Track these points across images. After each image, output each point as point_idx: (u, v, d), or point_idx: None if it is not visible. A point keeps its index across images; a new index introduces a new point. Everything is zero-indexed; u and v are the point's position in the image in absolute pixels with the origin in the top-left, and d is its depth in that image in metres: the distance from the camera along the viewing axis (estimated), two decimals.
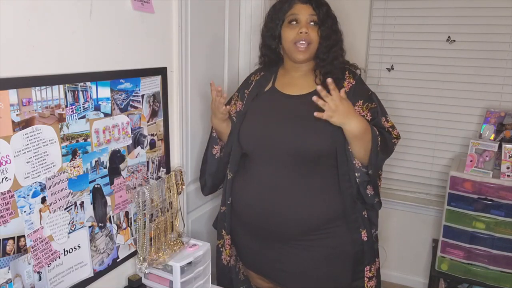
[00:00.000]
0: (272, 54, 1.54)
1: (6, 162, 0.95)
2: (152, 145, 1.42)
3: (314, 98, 1.29)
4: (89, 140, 1.16)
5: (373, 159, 1.40)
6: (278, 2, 1.50)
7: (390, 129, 1.48)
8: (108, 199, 1.26)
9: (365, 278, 1.50)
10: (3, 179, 0.94)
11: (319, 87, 1.29)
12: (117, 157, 1.28)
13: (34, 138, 1.00)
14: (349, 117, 1.31)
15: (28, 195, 1.01)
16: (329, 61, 1.46)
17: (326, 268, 1.48)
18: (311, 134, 1.40)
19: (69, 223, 1.14)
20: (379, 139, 1.40)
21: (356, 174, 1.43)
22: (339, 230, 1.46)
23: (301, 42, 1.42)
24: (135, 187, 1.36)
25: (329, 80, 1.29)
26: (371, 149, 1.39)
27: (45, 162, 1.04)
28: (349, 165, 1.43)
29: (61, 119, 1.07)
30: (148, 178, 1.42)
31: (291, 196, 1.43)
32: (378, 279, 1.56)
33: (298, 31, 1.42)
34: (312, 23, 1.44)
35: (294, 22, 1.44)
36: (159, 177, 1.45)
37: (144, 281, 1.39)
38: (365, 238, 1.48)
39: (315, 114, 1.30)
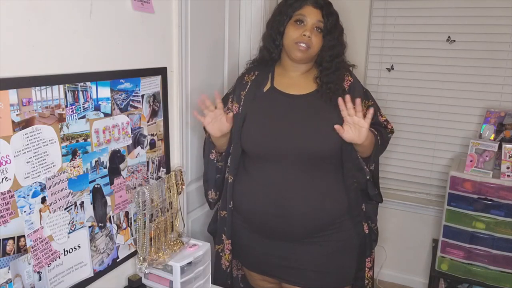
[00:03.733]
0: (274, 48, 1.52)
1: (6, 162, 0.95)
2: (152, 145, 1.42)
3: (342, 102, 1.33)
4: (89, 140, 1.16)
5: (374, 157, 1.51)
6: None
7: (385, 123, 1.58)
8: (108, 199, 1.26)
9: (366, 269, 1.59)
10: (3, 179, 0.94)
11: (349, 104, 1.33)
12: (117, 157, 1.28)
13: (34, 138, 1.00)
14: (361, 139, 1.35)
15: (28, 195, 1.01)
16: (332, 71, 1.46)
17: (335, 261, 1.51)
18: (318, 134, 1.41)
19: (69, 223, 1.14)
20: (378, 138, 1.49)
21: (367, 177, 1.52)
22: (345, 224, 1.50)
23: (301, 43, 1.42)
24: (135, 187, 1.36)
25: (358, 100, 1.33)
26: (373, 150, 1.48)
27: (45, 162, 1.04)
28: (354, 162, 1.48)
29: (61, 119, 1.07)
30: (148, 178, 1.42)
31: (300, 196, 1.43)
32: (373, 269, 1.65)
33: (302, 33, 1.42)
34: (317, 29, 1.44)
35: (300, 23, 1.44)
36: (159, 177, 1.45)
37: (144, 281, 1.39)
38: (366, 231, 1.56)
39: (336, 127, 1.34)
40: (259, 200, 1.47)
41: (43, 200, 1.05)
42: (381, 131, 1.54)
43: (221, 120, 1.43)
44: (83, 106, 1.13)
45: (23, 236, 1.01)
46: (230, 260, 1.64)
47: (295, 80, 1.52)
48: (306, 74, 1.52)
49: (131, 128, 1.32)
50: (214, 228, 1.69)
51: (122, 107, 1.27)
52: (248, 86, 1.55)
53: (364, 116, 1.36)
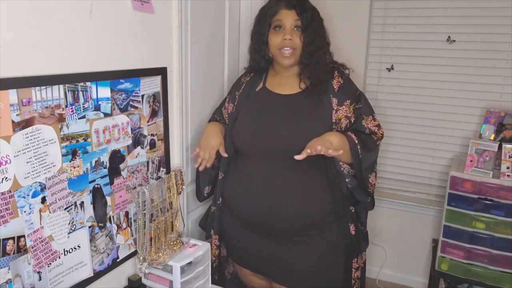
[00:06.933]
0: (260, 59, 1.56)
1: (6, 162, 0.95)
2: (152, 145, 1.42)
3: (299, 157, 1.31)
4: (89, 140, 1.16)
5: (357, 165, 1.47)
6: (265, 6, 1.53)
7: (376, 129, 1.53)
8: (108, 199, 1.26)
9: (353, 269, 1.58)
10: (3, 179, 0.94)
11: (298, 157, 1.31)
12: (117, 157, 1.28)
13: (34, 138, 1.00)
14: (326, 139, 1.36)
15: (28, 195, 1.01)
16: (312, 66, 1.48)
17: (321, 262, 1.52)
18: (303, 133, 1.43)
19: (69, 223, 1.14)
20: (358, 147, 1.45)
21: (347, 180, 1.49)
22: (331, 225, 1.51)
23: (285, 48, 1.45)
24: (135, 187, 1.36)
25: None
26: (352, 157, 1.46)
27: (45, 162, 1.04)
28: (334, 163, 1.48)
29: (61, 119, 1.07)
30: (148, 178, 1.42)
31: (285, 193, 1.45)
32: (363, 270, 1.64)
33: (283, 37, 1.44)
34: (296, 28, 1.46)
35: (279, 28, 1.46)
36: (159, 177, 1.45)
37: (144, 281, 1.39)
38: (353, 232, 1.55)
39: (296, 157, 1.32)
40: (246, 195, 1.50)
41: (43, 200, 1.05)
42: (363, 138, 1.48)
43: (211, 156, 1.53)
44: (83, 106, 1.13)
45: (23, 236, 1.01)
46: (217, 255, 1.67)
47: (286, 80, 1.55)
48: (297, 74, 1.54)
49: (131, 128, 1.32)
50: (204, 223, 1.74)
51: (122, 107, 1.27)
52: (243, 87, 1.61)
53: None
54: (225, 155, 1.53)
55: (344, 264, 1.55)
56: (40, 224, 1.05)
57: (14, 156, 0.96)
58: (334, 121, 1.47)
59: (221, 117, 1.69)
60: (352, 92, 1.51)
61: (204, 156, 1.50)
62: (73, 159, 1.12)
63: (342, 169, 1.49)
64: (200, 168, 1.52)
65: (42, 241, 1.06)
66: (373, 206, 1.59)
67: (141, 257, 1.34)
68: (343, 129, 1.48)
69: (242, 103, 1.56)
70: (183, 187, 1.50)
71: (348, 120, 1.49)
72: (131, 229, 1.38)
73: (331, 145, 1.35)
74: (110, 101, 1.22)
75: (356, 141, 1.44)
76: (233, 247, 1.66)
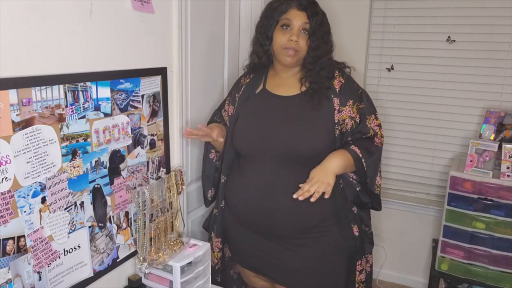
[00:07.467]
0: (263, 53, 1.53)
1: (6, 162, 0.95)
2: (152, 145, 1.42)
3: (296, 196, 1.37)
4: (89, 140, 1.16)
5: (363, 177, 1.50)
6: (275, 1, 1.50)
7: (377, 128, 1.53)
8: (108, 199, 1.26)
9: (356, 272, 1.57)
10: (3, 179, 0.94)
11: (296, 196, 1.37)
12: (117, 157, 1.28)
13: (34, 138, 1.00)
14: (329, 171, 1.39)
15: (28, 195, 1.01)
16: (315, 72, 1.47)
17: (322, 264, 1.51)
18: (303, 134, 1.43)
19: (69, 223, 1.14)
20: (363, 161, 1.46)
21: (357, 189, 1.51)
22: (332, 227, 1.50)
23: (289, 49, 1.43)
24: (135, 187, 1.36)
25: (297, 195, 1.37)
26: (357, 170, 1.48)
27: (45, 162, 1.04)
28: (345, 177, 1.49)
29: (61, 119, 1.07)
30: (148, 178, 1.42)
31: (286, 195, 1.44)
32: (369, 274, 1.62)
33: (289, 38, 1.43)
34: (304, 31, 1.45)
35: (286, 27, 1.44)
36: (159, 177, 1.45)
37: (144, 281, 1.40)
38: (356, 233, 1.54)
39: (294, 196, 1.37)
40: (247, 197, 1.50)
41: (43, 200, 1.05)
42: (365, 144, 1.49)
43: (210, 134, 1.53)
44: (83, 106, 1.13)
45: (23, 236, 1.01)
46: (219, 257, 1.66)
47: (285, 80, 1.54)
48: (296, 75, 1.53)
49: (131, 128, 1.32)
50: (207, 225, 1.74)
51: (122, 107, 1.27)
52: (242, 88, 1.59)
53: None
54: (221, 139, 1.54)
55: (346, 266, 1.54)
56: (40, 224, 1.05)
57: (14, 156, 0.96)
58: (336, 121, 1.46)
59: (221, 119, 1.69)
60: (354, 91, 1.51)
61: (197, 132, 1.49)
62: (73, 159, 1.12)
63: (350, 179, 1.51)
64: (183, 133, 1.51)
65: (42, 241, 1.06)
66: (380, 206, 1.58)
67: (141, 257, 1.34)
68: (348, 130, 1.48)
69: (242, 105, 1.56)
70: (183, 187, 1.50)
71: (353, 121, 1.48)
72: (131, 229, 1.38)
73: (332, 178, 1.38)
74: (110, 101, 1.22)
75: (360, 155, 1.45)
76: (235, 249, 1.66)
